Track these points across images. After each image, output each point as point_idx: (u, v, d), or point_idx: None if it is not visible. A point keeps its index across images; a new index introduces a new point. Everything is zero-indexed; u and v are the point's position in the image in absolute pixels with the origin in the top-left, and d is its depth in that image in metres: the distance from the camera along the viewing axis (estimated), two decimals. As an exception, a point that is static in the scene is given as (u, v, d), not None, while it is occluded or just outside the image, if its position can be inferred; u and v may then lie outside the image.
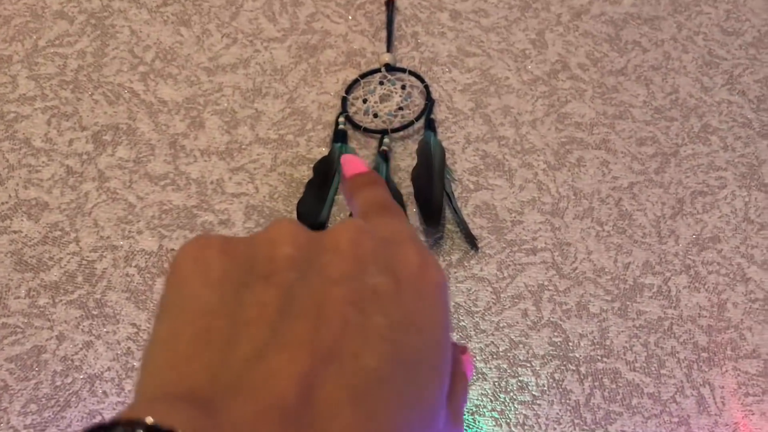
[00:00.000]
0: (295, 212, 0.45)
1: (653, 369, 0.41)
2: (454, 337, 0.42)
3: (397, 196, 0.46)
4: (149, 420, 0.14)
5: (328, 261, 0.19)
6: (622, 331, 0.42)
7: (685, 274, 0.44)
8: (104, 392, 0.40)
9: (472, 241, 0.44)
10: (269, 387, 0.16)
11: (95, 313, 0.42)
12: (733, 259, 0.45)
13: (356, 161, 0.29)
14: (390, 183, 0.46)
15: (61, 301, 0.42)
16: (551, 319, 0.42)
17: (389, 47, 0.52)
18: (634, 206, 0.47)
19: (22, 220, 0.45)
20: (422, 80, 0.51)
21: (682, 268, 0.44)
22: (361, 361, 0.17)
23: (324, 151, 0.48)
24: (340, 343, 0.17)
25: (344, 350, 0.17)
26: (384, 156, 0.47)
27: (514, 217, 0.46)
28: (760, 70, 0.54)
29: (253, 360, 0.16)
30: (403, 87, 0.51)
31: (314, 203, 0.45)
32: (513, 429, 0.39)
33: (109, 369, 0.40)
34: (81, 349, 0.40)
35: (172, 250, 0.44)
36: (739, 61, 0.54)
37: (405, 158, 0.48)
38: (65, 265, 0.43)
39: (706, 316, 0.43)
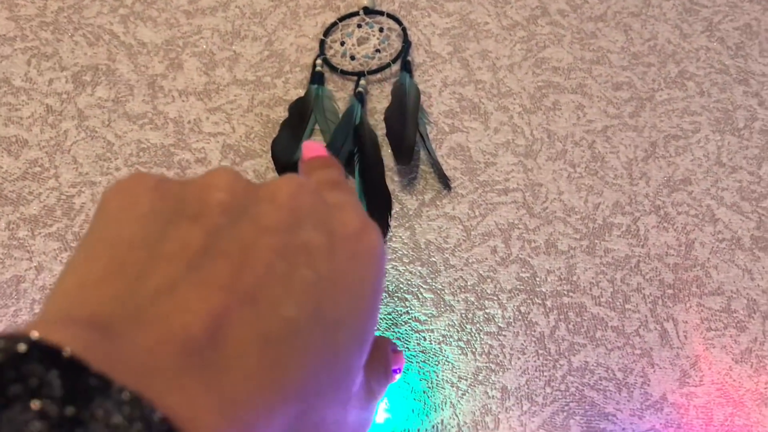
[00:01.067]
0: (270, 151, 0.45)
1: (618, 304, 0.42)
2: (423, 281, 0.42)
3: (371, 137, 0.46)
4: (34, 335, 0.13)
5: (262, 210, 0.19)
6: (589, 268, 0.43)
7: (654, 214, 0.45)
8: (82, 321, 0.41)
9: (445, 181, 0.45)
10: (175, 319, 0.15)
11: (73, 245, 0.43)
12: (703, 200, 0.46)
13: (316, 146, 0.28)
14: (365, 125, 0.47)
15: (40, 233, 0.43)
16: (520, 255, 0.43)
17: (369, -9, 0.52)
18: (607, 149, 0.47)
19: (2, 156, 0.45)
20: (400, 23, 0.51)
21: (651, 209, 0.45)
22: (279, 309, 0.17)
23: (301, 92, 0.48)
24: (261, 288, 0.17)
25: (263, 296, 0.17)
26: (360, 98, 0.47)
27: (488, 158, 0.47)
28: (740, 17, 0.54)
29: (163, 292, 0.16)
30: (381, 30, 0.51)
31: (289, 143, 0.45)
32: (478, 358, 0.40)
33: (86, 299, 0.41)
34: (59, 279, 0.41)
35: (149, 186, 0.45)
36: (719, 9, 0.54)
37: (381, 100, 0.49)
38: (44, 199, 0.44)
39: (673, 255, 0.43)
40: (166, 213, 0.18)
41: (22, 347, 0.12)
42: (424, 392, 0.39)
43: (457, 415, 0.38)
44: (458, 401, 0.39)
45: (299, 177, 0.21)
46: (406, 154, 0.44)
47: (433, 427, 0.38)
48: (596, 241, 0.44)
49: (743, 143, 0.48)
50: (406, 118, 0.45)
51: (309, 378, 0.17)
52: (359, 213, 0.21)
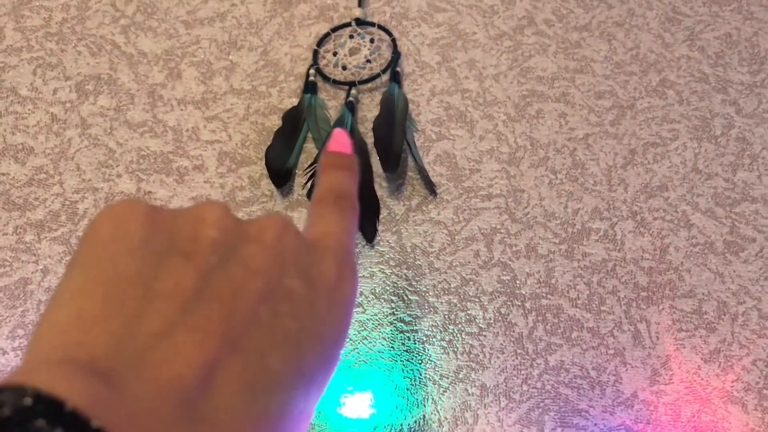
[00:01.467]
0: (264, 159, 0.48)
1: (594, 306, 0.44)
2: (409, 275, 0.45)
3: (361, 145, 0.48)
4: (38, 386, 0.13)
5: (250, 252, 0.19)
6: (567, 271, 0.45)
7: (631, 219, 0.47)
8: (85, 321, 0.43)
9: (431, 187, 0.47)
10: (171, 367, 0.16)
11: (77, 249, 0.45)
12: (679, 206, 0.47)
13: (344, 139, 0.28)
14: (355, 133, 0.49)
15: (45, 237, 0.45)
16: (501, 259, 0.45)
17: (361, 2, 0.54)
18: (587, 156, 0.49)
19: (9, 163, 0.48)
20: (390, 34, 0.53)
21: (628, 214, 0.47)
22: (265, 361, 0.17)
23: (295, 101, 0.50)
24: (248, 337, 0.17)
25: (251, 345, 0.17)
26: (351, 107, 0.49)
27: (473, 165, 0.49)
28: (721, 26, 0.55)
29: (159, 336, 0.16)
30: (372, 41, 0.53)
31: (282, 151, 0.47)
32: (459, 357, 0.42)
33: (90, 300, 0.44)
34: (64, 281, 0.44)
35: (149, 192, 0.47)
36: (701, 18, 0.56)
37: (372, 109, 0.51)
38: (50, 205, 0.46)
39: (648, 259, 0.46)
40: (159, 247, 0.18)
41: (27, 401, 0.13)
42: (407, 389, 0.41)
43: (438, 411, 0.41)
44: (440, 398, 0.41)
45: (283, 217, 0.22)
46: (393, 163, 0.46)
47: (416, 422, 0.40)
48: (575, 245, 0.46)
49: (719, 150, 0.50)
50: (393, 127, 0.47)
51: (288, 427, 0.18)
52: (336, 258, 0.22)
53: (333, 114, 0.50)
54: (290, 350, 0.18)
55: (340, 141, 0.28)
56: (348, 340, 0.42)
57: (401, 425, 0.40)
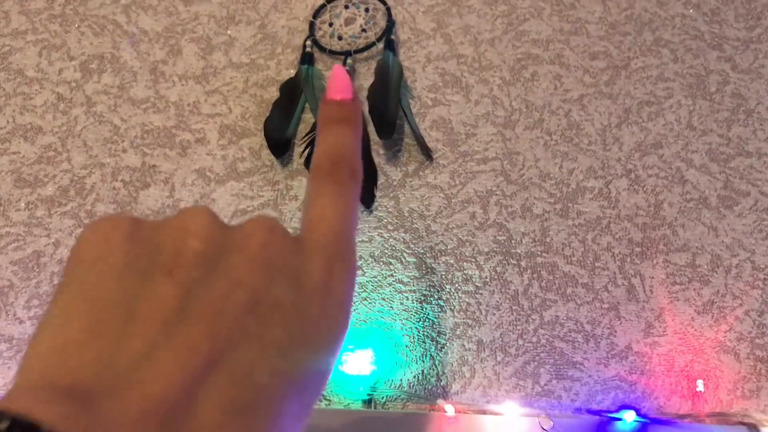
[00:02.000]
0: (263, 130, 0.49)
1: (588, 262, 0.45)
2: (408, 236, 0.46)
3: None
4: (20, 412, 0.14)
5: (234, 262, 0.19)
6: (562, 230, 0.46)
7: (625, 177, 0.48)
8: (97, 290, 0.45)
9: (427, 152, 0.48)
10: (153, 387, 0.15)
11: (87, 222, 0.47)
12: (673, 163, 0.48)
13: (343, 81, 0.26)
14: (352, 101, 0.50)
15: (56, 212, 0.47)
16: (497, 220, 0.46)
17: (355, -27, 0.55)
18: (582, 116, 0.50)
19: (19, 142, 0.50)
20: (384, 3, 0.53)
21: (623, 172, 0.48)
22: (252, 376, 0.17)
23: (292, 73, 0.51)
24: (234, 351, 0.17)
25: (237, 360, 0.17)
26: (347, 76, 0.50)
27: (469, 130, 0.50)
28: (717, -17, 0.55)
29: (141, 358, 0.16)
30: (367, 10, 0.54)
31: (280, 122, 0.49)
32: (456, 314, 0.43)
33: (101, 270, 0.45)
34: (75, 252, 0.46)
35: (154, 165, 0.48)
36: (696, -25, 0.56)
37: (368, 78, 0.51)
38: (59, 181, 0.48)
39: (642, 215, 0.46)
40: (142, 265, 0.18)
41: (3, 425, 0.13)
42: (406, 346, 0.42)
43: (436, 366, 0.42)
44: (437, 354, 0.42)
45: (269, 220, 0.21)
46: (387, 129, 0.47)
47: (415, 377, 0.42)
48: (569, 204, 0.47)
49: (714, 107, 0.50)
50: (388, 95, 0.48)
51: None
52: (326, 252, 0.21)
53: (330, 84, 0.51)
54: (280, 361, 0.18)
55: (339, 85, 0.25)
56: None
57: (401, 380, 0.42)
